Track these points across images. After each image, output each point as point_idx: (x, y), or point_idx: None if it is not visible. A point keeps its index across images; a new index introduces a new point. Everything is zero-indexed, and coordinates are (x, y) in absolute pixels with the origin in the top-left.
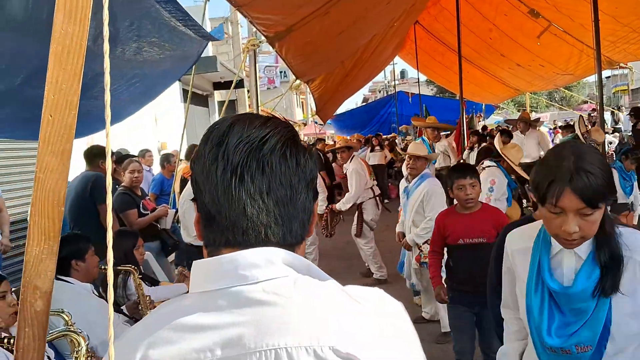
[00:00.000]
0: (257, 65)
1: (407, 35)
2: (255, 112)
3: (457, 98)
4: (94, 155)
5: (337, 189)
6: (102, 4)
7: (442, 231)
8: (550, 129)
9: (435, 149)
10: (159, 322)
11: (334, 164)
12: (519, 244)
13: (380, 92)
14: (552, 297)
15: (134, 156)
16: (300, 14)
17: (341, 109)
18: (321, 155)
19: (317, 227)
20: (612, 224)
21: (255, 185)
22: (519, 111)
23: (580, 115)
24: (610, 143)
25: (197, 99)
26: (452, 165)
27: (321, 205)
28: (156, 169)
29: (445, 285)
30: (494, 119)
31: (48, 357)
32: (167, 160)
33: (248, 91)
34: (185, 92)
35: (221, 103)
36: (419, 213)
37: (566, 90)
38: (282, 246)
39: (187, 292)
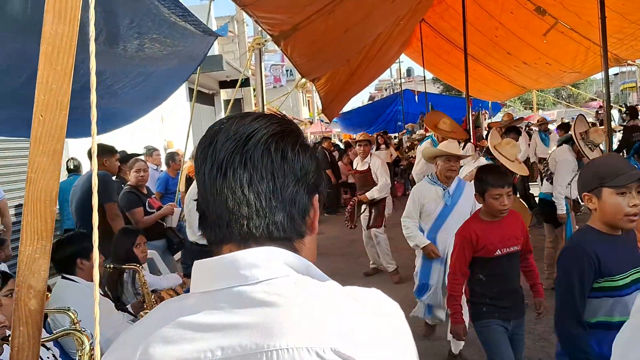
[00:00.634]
0: (262, 63)
1: (413, 33)
2: (261, 110)
3: (464, 96)
4: (97, 153)
5: (343, 187)
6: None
7: (474, 245)
8: (558, 127)
9: None
10: (159, 320)
11: (339, 163)
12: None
13: (386, 90)
14: None
15: (139, 155)
16: (306, 12)
17: (347, 107)
18: (327, 153)
19: (339, 234)
20: None
21: (236, 179)
22: (525, 109)
23: (580, 114)
24: (620, 141)
25: (203, 98)
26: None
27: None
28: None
29: (470, 304)
30: (500, 117)
31: (53, 355)
32: (172, 159)
33: (254, 90)
34: (191, 90)
35: (227, 102)
36: None
37: (573, 88)
38: (273, 240)
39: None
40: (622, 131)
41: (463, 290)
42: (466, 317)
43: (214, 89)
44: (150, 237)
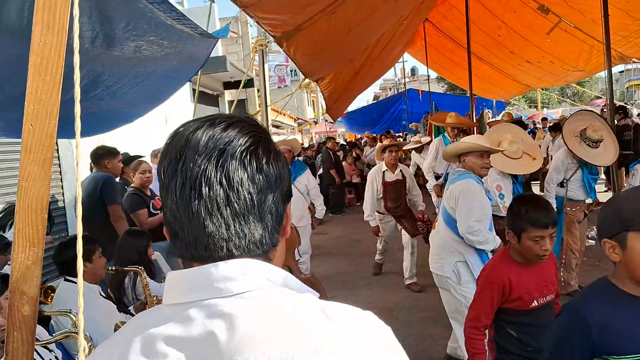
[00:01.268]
0: (266, 64)
1: (417, 33)
2: (264, 111)
3: (468, 95)
4: (100, 155)
5: (347, 187)
6: (86, 12)
7: (507, 294)
8: (549, 127)
9: None
10: (132, 332)
11: (344, 162)
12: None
13: (390, 89)
14: None
15: (141, 157)
16: (307, 13)
17: (352, 107)
18: (331, 153)
19: (343, 234)
20: None
21: (212, 199)
22: (530, 107)
23: (581, 110)
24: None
25: (208, 99)
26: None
27: (320, 209)
28: None
29: None
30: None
31: (56, 357)
32: None
33: (258, 90)
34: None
35: (231, 102)
36: None
37: (578, 86)
38: (252, 257)
39: None
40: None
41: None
42: None
43: (218, 90)
44: (155, 238)
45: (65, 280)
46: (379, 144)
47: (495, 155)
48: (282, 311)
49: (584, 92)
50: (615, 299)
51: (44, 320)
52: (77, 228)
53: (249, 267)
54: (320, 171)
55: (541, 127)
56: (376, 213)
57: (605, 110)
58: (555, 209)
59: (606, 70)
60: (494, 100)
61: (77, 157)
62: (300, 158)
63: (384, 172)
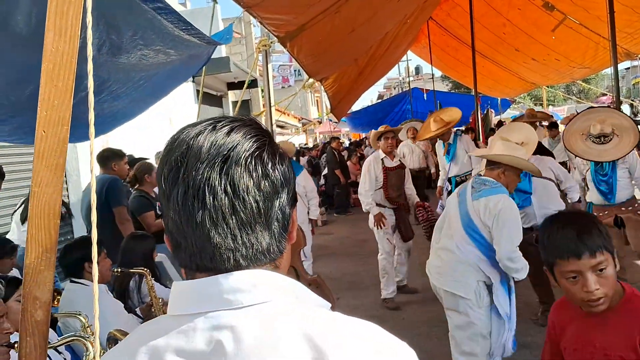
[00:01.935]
0: (270, 64)
1: (421, 31)
2: (268, 111)
3: (473, 93)
4: (106, 158)
5: (352, 187)
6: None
7: (556, 336)
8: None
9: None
10: (137, 343)
11: (348, 162)
12: None
13: (395, 88)
14: None
15: (146, 159)
16: (311, 13)
17: (356, 107)
18: (336, 153)
19: (348, 234)
20: None
21: (217, 208)
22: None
23: (591, 107)
24: None
25: (211, 100)
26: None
27: (314, 210)
28: None
29: None
30: (510, 113)
31: (65, 359)
32: None
33: (262, 91)
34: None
35: (235, 103)
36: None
37: (584, 83)
38: (259, 266)
39: None
40: None
41: None
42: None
43: (221, 91)
44: (160, 240)
45: (71, 282)
46: (373, 131)
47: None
48: (292, 324)
49: (590, 89)
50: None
51: (52, 322)
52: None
53: (259, 279)
54: (325, 171)
55: (546, 124)
56: (377, 205)
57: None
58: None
59: (612, 67)
60: (499, 99)
61: (92, 163)
62: (305, 158)
63: (382, 159)
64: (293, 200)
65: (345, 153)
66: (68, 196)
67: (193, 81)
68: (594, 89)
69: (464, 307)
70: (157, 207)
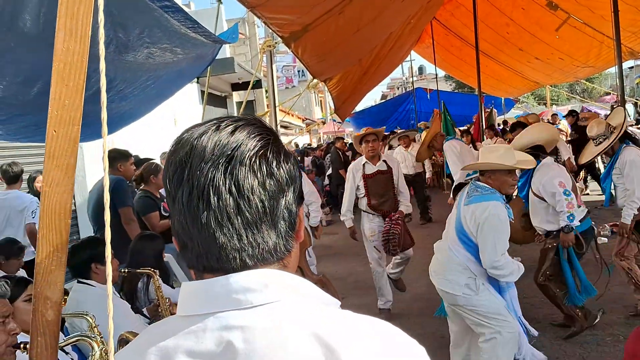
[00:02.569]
0: (274, 65)
1: (425, 31)
2: (273, 112)
3: (476, 93)
4: (112, 158)
5: None
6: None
7: None
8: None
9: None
10: (147, 344)
11: (352, 162)
12: None
13: (398, 88)
14: None
15: (152, 159)
16: (315, 13)
17: (360, 107)
18: (340, 153)
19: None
20: None
21: (222, 209)
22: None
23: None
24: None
25: (216, 100)
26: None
27: (314, 216)
28: None
29: None
30: (514, 113)
31: (72, 359)
32: None
33: (266, 91)
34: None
35: (239, 104)
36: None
37: (587, 83)
38: (267, 265)
39: None
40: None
41: None
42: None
43: (226, 91)
44: (166, 240)
45: (79, 282)
46: (355, 134)
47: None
48: (302, 324)
49: (594, 88)
50: None
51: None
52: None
53: (269, 278)
54: (330, 171)
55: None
56: (363, 212)
57: (615, 106)
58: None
59: (616, 67)
60: (503, 98)
61: (105, 162)
62: (309, 158)
63: (364, 164)
64: (299, 198)
65: (349, 153)
66: (74, 196)
67: (197, 82)
68: (597, 88)
69: (463, 300)
70: (162, 208)
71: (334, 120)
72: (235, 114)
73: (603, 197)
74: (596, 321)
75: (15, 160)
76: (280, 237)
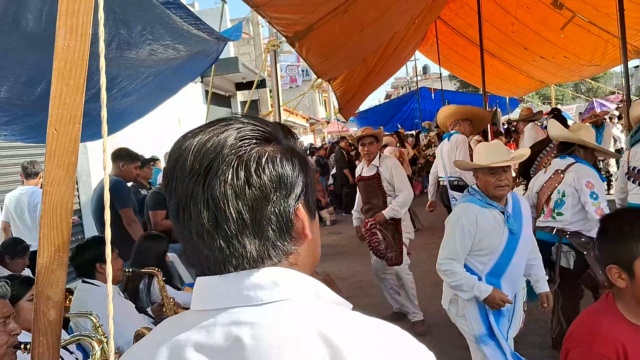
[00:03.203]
0: (278, 65)
1: (429, 30)
2: (277, 111)
3: (481, 92)
4: (118, 156)
5: None
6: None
7: None
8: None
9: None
10: (159, 338)
11: (357, 162)
12: None
13: (403, 88)
14: None
15: (157, 159)
16: (319, 13)
17: (364, 106)
18: (344, 153)
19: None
20: None
21: (203, 224)
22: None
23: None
24: None
25: (220, 100)
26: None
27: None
28: None
29: None
30: (518, 112)
31: (77, 359)
32: None
33: (270, 91)
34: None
35: (244, 103)
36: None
37: (593, 82)
38: (270, 264)
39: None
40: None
41: None
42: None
43: (230, 91)
44: (172, 239)
45: (83, 282)
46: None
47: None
48: (309, 323)
49: (599, 87)
50: (624, 327)
51: (64, 322)
52: (106, 233)
53: (280, 277)
54: (334, 171)
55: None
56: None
57: (620, 105)
58: None
59: (622, 65)
60: (507, 98)
61: (105, 161)
62: (313, 158)
63: (362, 166)
64: (297, 196)
65: (353, 153)
66: (79, 196)
67: (202, 82)
68: (603, 87)
69: (452, 318)
70: None
71: (338, 120)
72: (239, 114)
73: None
74: None
75: (35, 159)
76: (268, 244)
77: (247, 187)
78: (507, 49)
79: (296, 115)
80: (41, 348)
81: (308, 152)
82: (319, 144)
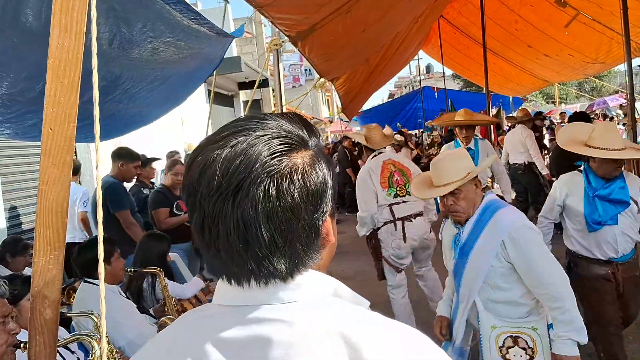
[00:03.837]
0: (280, 64)
1: (432, 29)
2: (279, 111)
3: (484, 91)
4: (118, 155)
5: None
6: (104, 14)
7: None
8: None
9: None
10: (180, 331)
11: (359, 161)
12: None
13: (406, 87)
14: None
15: (158, 159)
16: (322, 13)
17: (367, 105)
18: (348, 152)
19: None
20: None
21: (232, 243)
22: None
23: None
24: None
25: (223, 99)
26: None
27: None
28: None
29: None
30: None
31: (78, 358)
32: None
33: (273, 90)
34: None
35: (246, 103)
36: (498, 281)
37: (597, 80)
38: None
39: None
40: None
41: None
42: None
43: (233, 90)
44: (175, 240)
45: (85, 281)
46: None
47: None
48: (330, 323)
49: (603, 86)
50: None
51: (65, 322)
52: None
53: (304, 277)
54: (337, 170)
55: (559, 122)
56: None
57: (624, 105)
58: None
59: (626, 63)
60: (511, 97)
61: (97, 160)
62: None
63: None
64: (326, 211)
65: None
66: None
67: (205, 81)
68: (607, 86)
69: None
70: (176, 205)
71: (341, 119)
72: (242, 113)
73: None
74: None
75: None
76: (298, 261)
77: (279, 208)
78: (511, 47)
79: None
80: (38, 347)
81: None
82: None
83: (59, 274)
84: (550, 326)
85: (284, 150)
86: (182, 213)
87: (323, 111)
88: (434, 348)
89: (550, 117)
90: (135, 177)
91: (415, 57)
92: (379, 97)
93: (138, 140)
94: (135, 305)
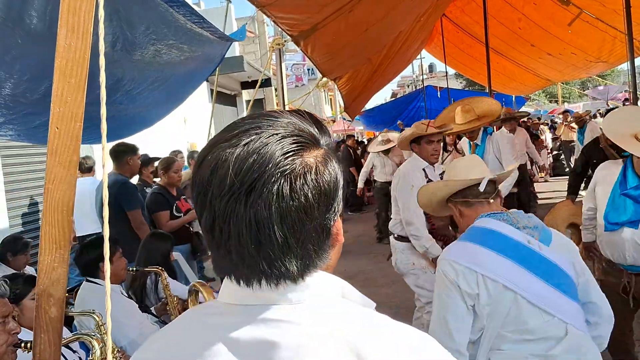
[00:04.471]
0: (283, 63)
1: (434, 28)
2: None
3: (487, 91)
4: (121, 152)
5: (366, 185)
6: (107, 16)
7: None
8: None
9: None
10: (185, 328)
11: (362, 160)
12: None
13: (408, 86)
14: None
15: (160, 158)
16: (325, 12)
17: (370, 105)
18: (351, 152)
19: (363, 232)
20: None
21: (243, 244)
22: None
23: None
24: None
25: (225, 99)
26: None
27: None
28: None
29: None
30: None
31: (80, 358)
32: (192, 157)
33: (276, 89)
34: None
35: (249, 102)
36: None
37: (600, 79)
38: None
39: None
40: None
41: None
42: None
43: (235, 90)
44: (176, 241)
45: (87, 281)
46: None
47: None
48: (336, 324)
49: (606, 84)
50: None
51: (68, 321)
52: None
53: (312, 278)
54: None
55: (562, 121)
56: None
57: (627, 104)
58: None
59: (628, 62)
60: (514, 96)
61: (103, 159)
62: None
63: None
64: (337, 211)
65: (359, 151)
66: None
67: (207, 80)
68: (610, 84)
69: None
70: (175, 207)
71: (344, 119)
72: (245, 113)
73: None
74: None
75: (88, 155)
76: (310, 262)
77: (293, 208)
78: (514, 46)
79: None
80: (42, 345)
81: None
82: None
83: (65, 272)
84: None
85: (297, 150)
86: (182, 214)
87: (326, 110)
88: (441, 350)
89: (553, 116)
90: (138, 176)
91: (418, 57)
92: (381, 97)
93: (140, 140)
94: (137, 305)
